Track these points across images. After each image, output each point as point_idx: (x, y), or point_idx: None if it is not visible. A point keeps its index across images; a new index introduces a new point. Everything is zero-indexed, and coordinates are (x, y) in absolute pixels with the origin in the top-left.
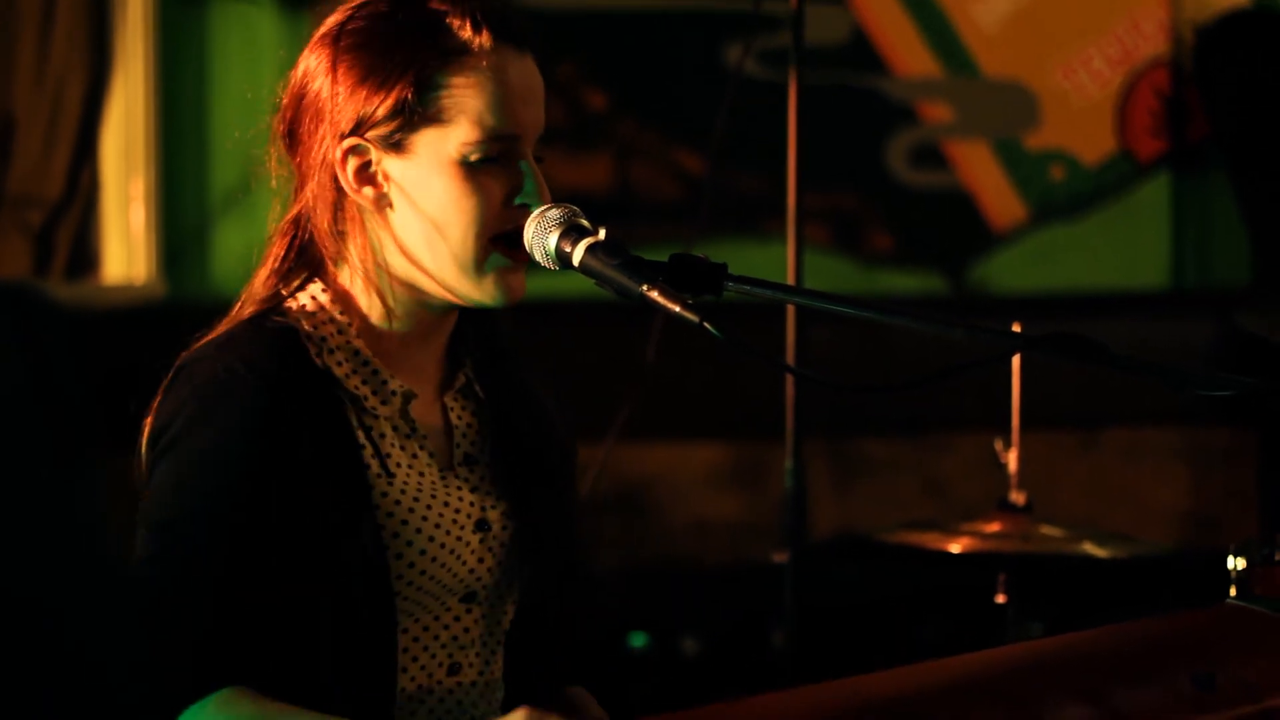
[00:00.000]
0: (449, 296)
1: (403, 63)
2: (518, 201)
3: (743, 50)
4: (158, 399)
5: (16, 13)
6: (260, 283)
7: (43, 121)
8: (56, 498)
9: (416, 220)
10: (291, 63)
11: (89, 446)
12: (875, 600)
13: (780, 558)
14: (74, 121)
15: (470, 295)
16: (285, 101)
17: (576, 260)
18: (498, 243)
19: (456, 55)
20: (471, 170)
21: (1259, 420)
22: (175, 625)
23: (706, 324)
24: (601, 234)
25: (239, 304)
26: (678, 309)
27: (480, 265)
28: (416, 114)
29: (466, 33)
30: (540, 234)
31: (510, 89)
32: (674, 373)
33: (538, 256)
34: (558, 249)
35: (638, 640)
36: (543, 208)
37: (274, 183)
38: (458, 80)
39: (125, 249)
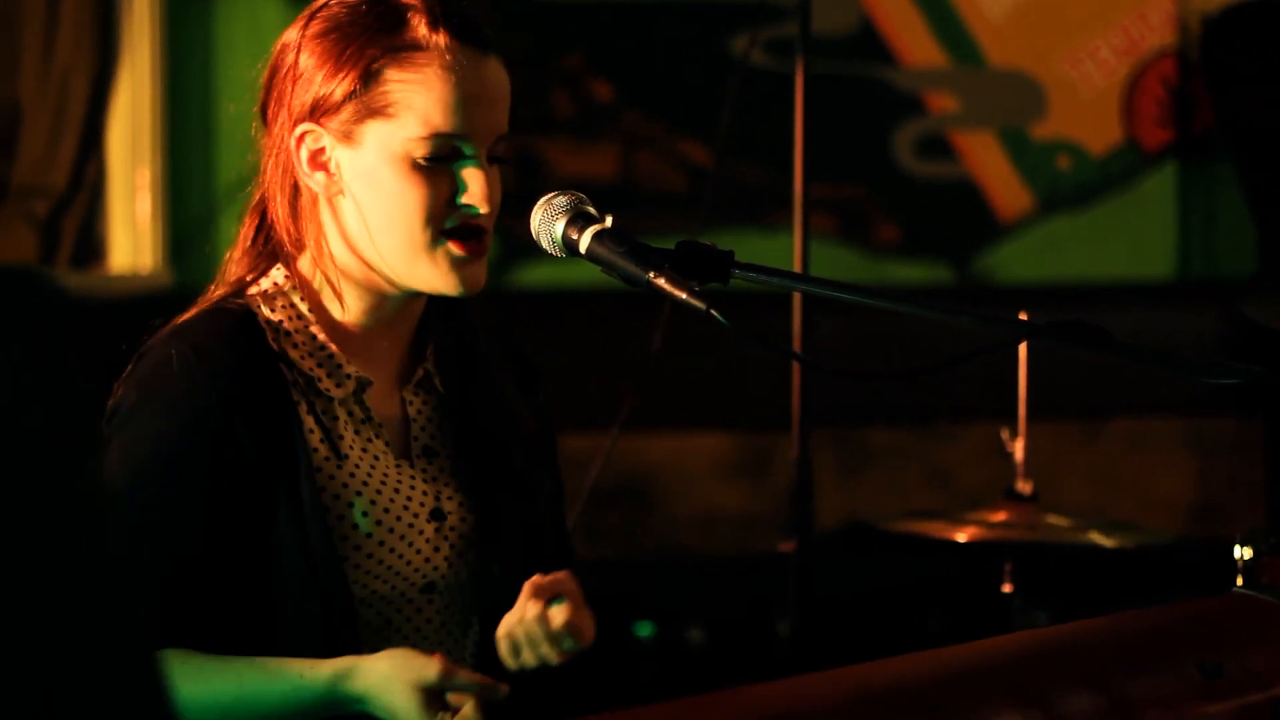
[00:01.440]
0: (401, 284)
1: (355, 53)
2: (460, 201)
3: (749, 40)
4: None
5: (23, 3)
6: (234, 264)
7: (49, 112)
8: (58, 487)
9: (363, 211)
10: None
11: (91, 435)
12: (881, 589)
13: (786, 547)
14: (80, 112)
15: (423, 285)
16: (263, 80)
17: (583, 247)
18: (450, 235)
19: (407, 50)
20: (417, 167)
21: (1265, 410)
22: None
23: (713, 311)
24: (608, 221)
25: (213, 286)
26: (684, 296)
27: (429, 256)
28: (364, 106)
29: (421, 30)
30: (547, 221)
31: (462, 90)
32: (679, 362)
33: (544, 244)
34: (564, 236)
35: (643, 630)
36: (549, 195)
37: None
38: (405, 76)
39: (131, 239)
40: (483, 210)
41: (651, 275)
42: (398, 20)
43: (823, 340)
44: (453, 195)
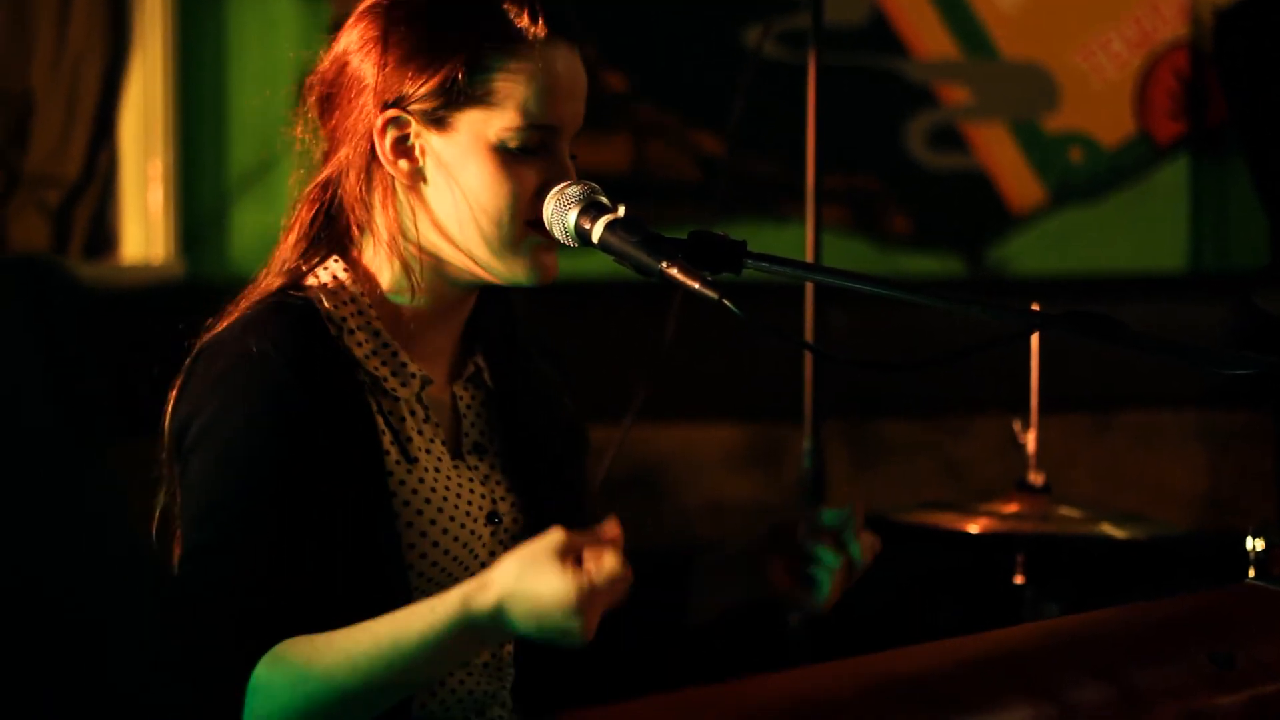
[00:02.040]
0: (478, 273)
1: (456, 41)
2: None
3: (762, 31)
4: (179, 381)
5: None
6: (289, 248)
7: (61, 101)
8: (66, 476)
9: (451, 198)
10: (308, 43)
11: (100, 425)
12: (893, 581)
13: None
14: (92, 101)
15: (503, 274)
16: (326, 66)
17: (596, 237)
18: (532, 226)
19: (511, 41)
20: (509, 156)
21: (1276, 402)
22: (233, 606)
23: (725, 300)
24: (621, 211)
25: (264, 273)
26: (697, 285)
27: (515, 247)
28: (463, 93)
29: (523, 21)
30: (560, 210)
31: (557, 82)
32: (691, 353)
33: (557, 233)
34: (577, 225)
35: None
36: (562, 184)
37: (298, 146)
38: (510, 65)
39: (144, 229)
40: None
41: (664, 265)
42: (492, 9)
43: (835, 332)
44: (541, 186)
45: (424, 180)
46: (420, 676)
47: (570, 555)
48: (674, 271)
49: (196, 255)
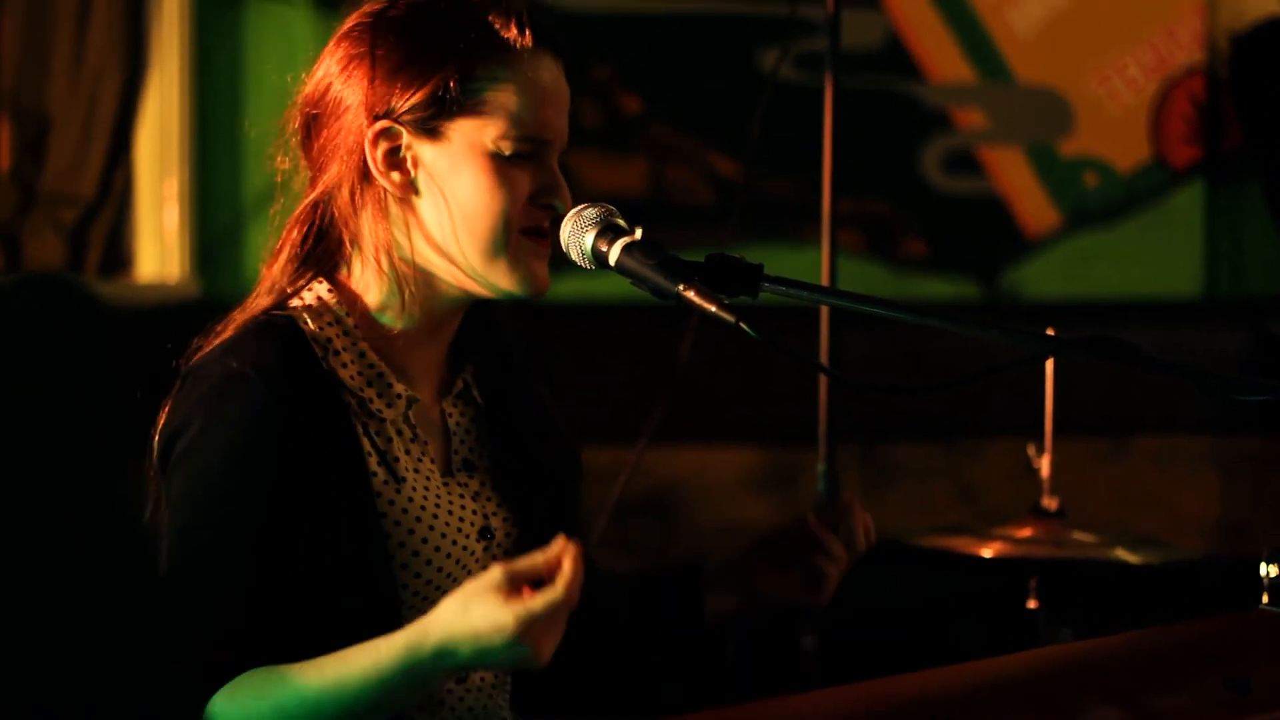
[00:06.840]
0: (469, 286)
1: (446, 51)
2: (544, 201)
3: (778, 55)
4: (167, 405)
5: (53, 11)
6: (278, 270)
7: (78, 120)
8: (89, 489)
9: (444, 207)
10: None
11: (121, 438)
12: (906, 604)
13: None
14: (109, 121)
15: (496, 284)
16: (309, 90)
17: (613, 259)
18: (526, 234)
19: (499, 50)
20: (502, 163)
21: None
22: (205, 627)
23: (742, 323)
24: (638, 234)
25: (253, 295)
26: (714, 308)
27: (508, 253)
28: (455, 103)
29: (511, 31)
30: (577, 233)
31: (545, 93)
32: (706, 376)
33: (574, 256)
34: (594, 248)
35: None
36: (579, 207)
37: (279, 177)
38: (499, 74)
39: (159, 248)
40: (566, 208)
41: (681, 288)
42: (479, 20)
43: (849, 356)
44: (532, 194)
45: (415, 192)
46: (369, 715)
47: (512, 587)
48: (691, 294)
49: (211, 274)
